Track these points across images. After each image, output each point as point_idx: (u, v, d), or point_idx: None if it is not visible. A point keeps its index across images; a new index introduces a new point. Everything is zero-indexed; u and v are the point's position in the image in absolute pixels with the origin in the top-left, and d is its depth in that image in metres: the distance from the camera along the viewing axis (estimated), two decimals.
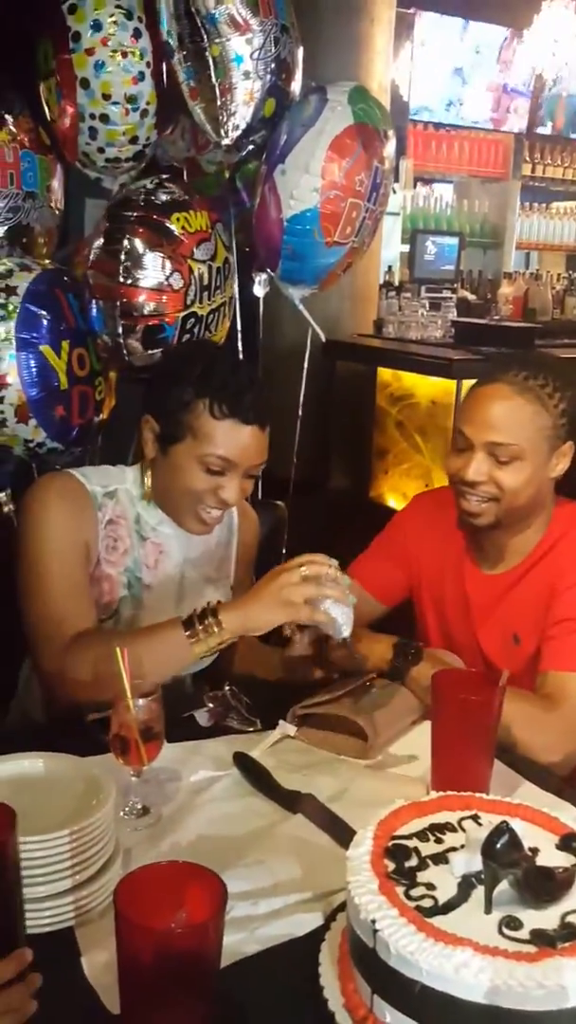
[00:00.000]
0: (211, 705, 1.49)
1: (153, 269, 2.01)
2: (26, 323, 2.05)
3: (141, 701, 1.22)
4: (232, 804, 1.28)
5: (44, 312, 2.08)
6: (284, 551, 2.28)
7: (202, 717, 1.48)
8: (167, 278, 2.02)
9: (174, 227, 2.03)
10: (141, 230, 2.00)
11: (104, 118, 2.08)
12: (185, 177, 2.41)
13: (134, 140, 2.13)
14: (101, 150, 2.13)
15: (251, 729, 1.46)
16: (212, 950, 0.84)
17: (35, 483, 1.61)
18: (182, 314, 2.06)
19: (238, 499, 1.59)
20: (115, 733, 1.22)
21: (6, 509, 2.24)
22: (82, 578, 1.56)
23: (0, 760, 1.16)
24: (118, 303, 2.01)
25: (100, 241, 2.04)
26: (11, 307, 2.04)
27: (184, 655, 1.43)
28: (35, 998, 0.87)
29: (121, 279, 1.99)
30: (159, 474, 1.61)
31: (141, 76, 2.06)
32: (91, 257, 2.06)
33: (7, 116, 2.15)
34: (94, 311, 2.07)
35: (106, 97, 2.04)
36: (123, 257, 1.99)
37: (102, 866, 1.07)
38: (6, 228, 2.18)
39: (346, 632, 1.44)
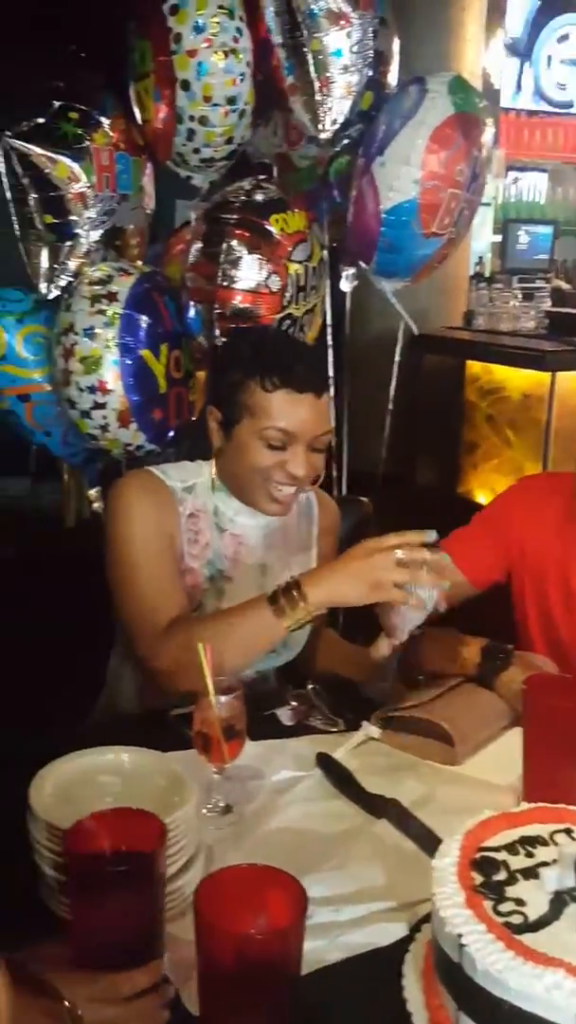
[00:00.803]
0: (294, 703, 1.48)
1: (251, 271, 2.02)
2: (128, 328, 2.08)
3: (223, 698, 1.22)
4: (314, 806, 1.26)
5: (144, 316, 2.10)
6: None
7: (284, 715, 1.47)
8: (265, 280, 2.02)
9: (273, 229, 2.04)
10: (240, 232, 2.01)
11: (203, 120, 2.09)
12: (276, 172, 2.40)
13: (230, 140, 2.15)
14: (197, 151, 2.14)
15: (334, 729, 1.44)
16: (293, 956, 0.83)
17: (117, 481, 1.62)
18: (278, 316, 2.06)
19: (307, 473, 1.56)
20: (198, 730, 1.22)
21: (96, 506, 2.28)
22: (171, 568, 1.56)
23: (84, 754, 1.17)
24: (215, 305, 2.02)
25: (199, 244, 2.05)
26: (113, 313, 2.06)
27: (273, 631, 1.41)
28: (167, 1008, 0.88)
29: (219, 282, 2.01)
30: (227, 460, 1.60)
31: (242, 77, 2.07)
32: (190, 260, 2.07)
33: (102, 119, 2.17)
34: (192, 313, 2.09)
35: (207, 99, 2.06)
36: (222, 259, 2.01)
37: (184, 864, 1.06)
38: (101, 232, 2.20)
39: (430, 607, 1.38)
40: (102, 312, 2.05)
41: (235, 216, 2.02)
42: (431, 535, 1.39)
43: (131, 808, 0.98)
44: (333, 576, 1.40)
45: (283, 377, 1.51)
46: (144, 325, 2.09)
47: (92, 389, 2.05)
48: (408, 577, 1.35)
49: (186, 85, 2.04)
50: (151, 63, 2.08)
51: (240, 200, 2.04)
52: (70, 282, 2.20)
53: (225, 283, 2.00)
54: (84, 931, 0.90)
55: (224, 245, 2.00)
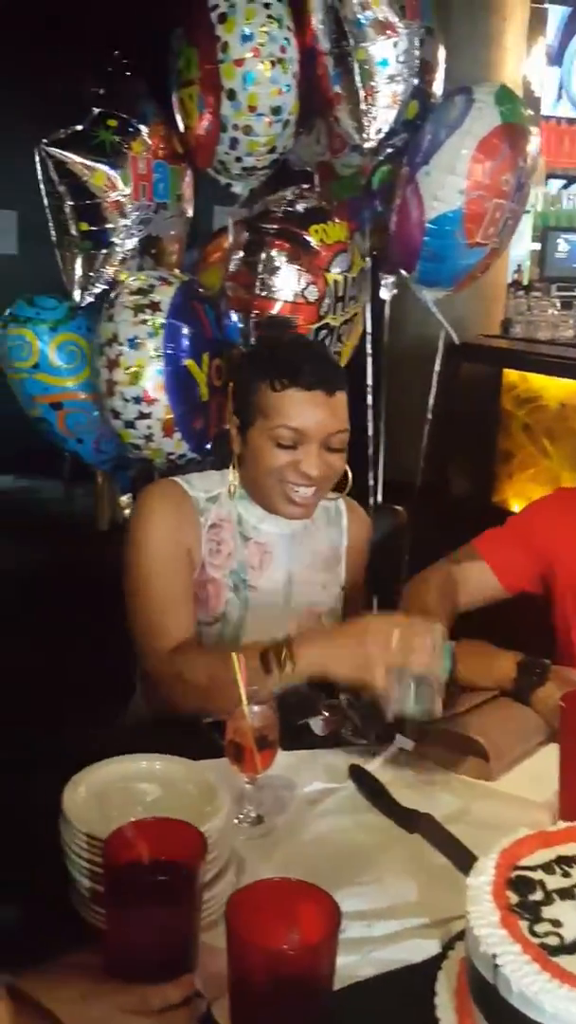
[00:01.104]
0: (326, 714, 1.47)
1: (289, 281, 2.03)
2: (171, 338, 2.08)
3: (256, 708, 1.21)
4: (347, 818, 1.25)
5: (186, 325, 2.11)
6: (407, 558, 2.24)
7: (317, 726, 1.46)
8: (302, 290, 2.03)
9: (312, 239, 2.05)
10: (279, 242, 2.02)
11: (248, 129, 2.09)
12: (317, 180, 2.40)
13: (272, 150, 2.15)
14: (239, 159, 2.15)
15: (364, 741, 1.43)
16: (325, 972, 0.82)
17: (140, 492, 1.62)
18: (315, 325, 2.06)
19: (322, 473, 1.55)
20: (230, 739, 1.22)
21: (127, 511, 2.28)
22: (182, 589, 1.57)
23: (116, 761, 1.17)
24: (252, 314, 2.03)
25: (240, 253, 2.06)
26: (157, 323, 2.06)
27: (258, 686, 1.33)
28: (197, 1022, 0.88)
29: (257, 291, 2.01)
30: (246, 466, 1.60)
31: (288, 87, 2.07)
32: (230, 268, 2.08)
33: (141, 127, 2.18)
34: (231, 321, 2.09)
35: (252, 109, 2.06)
36: (260, 269, 2.01)
37: (216, 874, 1.06)
38: (137, 240, 2.21)
39: (416, 711, 1.30)
40: (145, 322, 2.05)
41: (275, 226, 2.03)
42: (438, 628, 1.34)
43: (171, 818, 0.97)
44: (326, 645, 1.37)
45: (291, 376, 1.51)
46: (187, 334, 2.09)
47: (137, 399, 2.06)
48: (401, 661, 1.30)
49: (232, 94, 2.04)
50: (197, 70, 2.08)
51: (281, 210, 2.05)
52: (105, 290, 2.20)
53: (263, 292, 2.01)
54: (118, 941, 0.90)
55: (263, 255, 2.01)
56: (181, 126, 2.22)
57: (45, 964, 0.86)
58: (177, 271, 2.29)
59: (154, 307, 2.06)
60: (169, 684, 1.50)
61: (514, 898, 0.88)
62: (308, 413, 1.52)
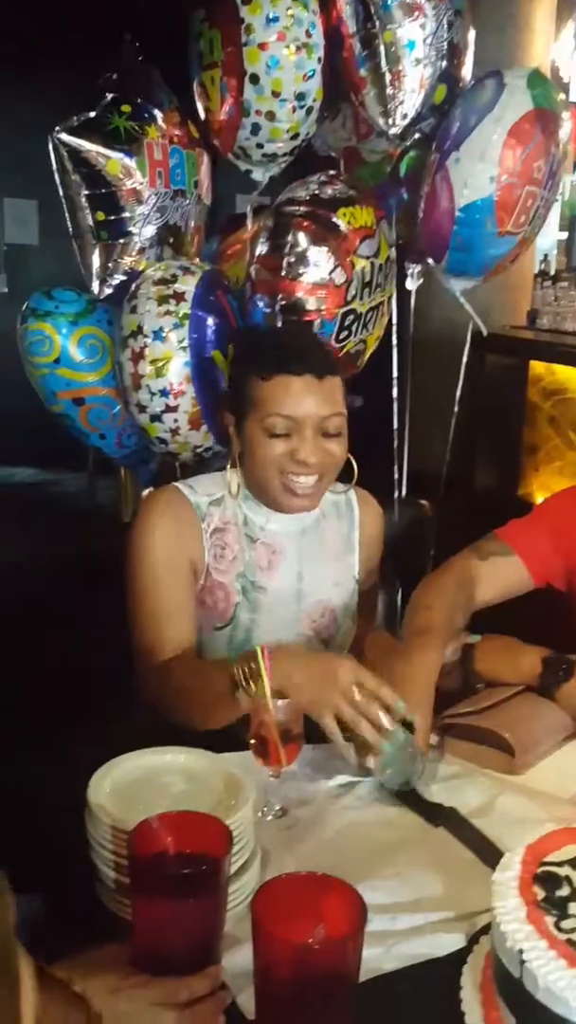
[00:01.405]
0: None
1: (316, 264, 1.99)
2: (197, 328, 2.04)
3: (280, 702, 1.21)
4: (371, 812, 1.25)
5: (211, 316, 2.08)
6: (432, 552, 2.23)
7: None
8: (330, 273, 2.00)
9: (340, 222, 2.01)
10: (307, 224, 1.99)
11: (270, 115, 2.05)
12: (343, 166, 2.37)
13: (295, 136, 2.11)
14: (260, 145, 2.11)
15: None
16: (351, 966, 0.82)
17: (141, 502, 1.61)
18: (341, 310, 2.04)
19: (320, 459, 1.52)
20: (255, 733, 1.22)
21: None
22: (180, 601, 1.54)
23: (141, 754, 1.17)
24: (279, 298, 2.00)
25: (265, 236, 2.03)
26: (182, 313, 2.03)
27: (227, 702, 1.31)
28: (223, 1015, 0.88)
29: (283, 274, 1.99)
30: (246, 462, 1.58)
31: (312, 73, 2.03)
32: (257, 252, 2.05)
33: (156, 112, 2.12)
34: (257, 306, 2.07)
35: (275, 94, 2.01)
36: (287, 251, 1.99)
37: (241, 867, 1.06)
38: (155, 228, 2.16)
39: (387, 777, 1.25)
40: (171, 313, 2.02)
41: (302, 208, 2.00)
42: (400, 705, 1.27)
43: (195, 811, 0.98)
44: (293, 668, 1.28)
45: (276, 363, 1.49)
46: (212, 324, 2.07)
47: (164, 392, 2.01)
48: (350, 716, 1.25)
49: (255, 79, 1.99)
50: (220, 53, 2.03)
51: (309, 193, 2.02)
52: (123, 281, 2.17)
53: (290, 275, 1.98)
54: (144, 933, 0.91)
55: (290, 237, 1.98)
56: (201, 111, 2.17)
57: (72, 957, 0.87)
58: (197, 260, 2.26)
59: (178, 297, 2.03)
60: (156, 696, 1.49)
61: (541, 894, 0.88)
62: (299, 399, 1.49)
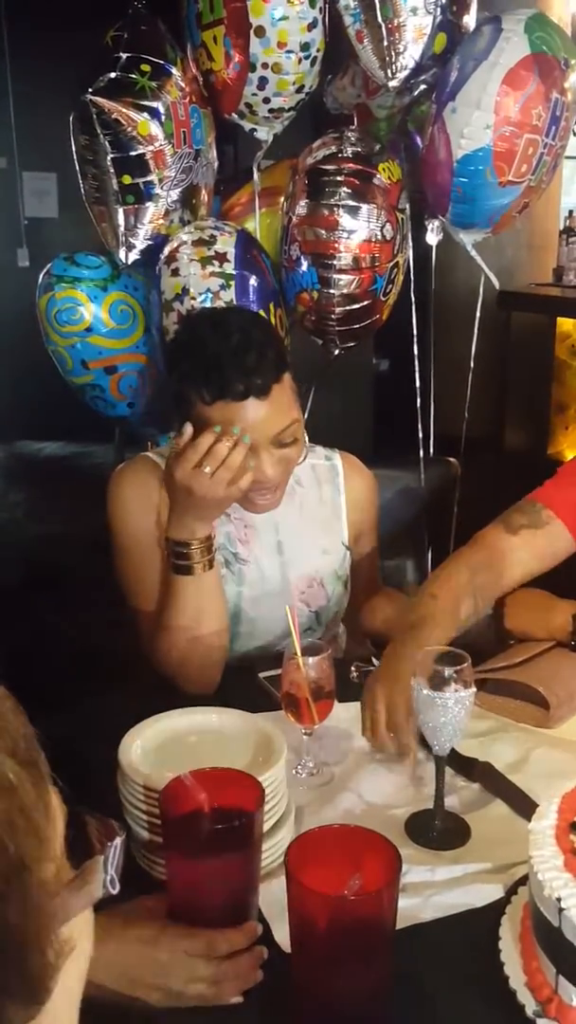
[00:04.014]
0: (355, 673, 1.46)
1: (368, 221, 1.98)
2: (242, 289, 2.01)
3: (311, 660, 1.21)
4: (404, 767, 1.24)
5: (253, 275, 2.05)
6: (455, 509, 2.20)
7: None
8: (380, 228, 1.99)
9: (382, 176, 1.99)
10: (351, 180, 1.98)
11: (277, 67, 2.00)
12: (355, 124, 2.32)
13: (300, 89, 2.07)
14: (267, 100, 2.07)
15: None
16: (387, 918, 0.82)
17: (113, 472, 1.58)
18: (390, 264, 2.02)
19: (278, 471, 1.46)
20: (286, 691, 1.21)
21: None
22: (158, 561, 1.52)
23: (174, 714, 1.18)
24: (332, 256, 1.99)
25: (305, 196, 2.01)
26: (228, 273, 1.99)
27: (198, 586, 1.44)
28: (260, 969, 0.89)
29: (334, 233, 1.97)
30: None
31: (315, 23, 1.99)
32: (297, 213, 2.03)
33: (173, 70, 2.05)
34: (303, 267, 2.04)
35: (281, 45, 1.97)
36: (337, 210, 1.97)
37: (275, 823, 1.06)
38: (180, 191, 2.10)
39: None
40: (217, 274, 1.98)
41: (348, 166, 1.98)
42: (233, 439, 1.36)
43: (228, 768, 0.97)
44: (177, 513, 1.41)
45: (217, 388, 1.39)
46: (254, 284, 2.03)
47: None
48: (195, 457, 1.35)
49: (260, 31, 1.95)
50: (222, 10, 1.99)
51: (349, 150, 2.00)
52: (150, 246, 2.13)
53: (340, 234, 1.97)
54: (179, 889, 0.91)
55: (338, 195, 1.96)
56: (204, 69, 2.12)
57: (109, 908, 0.87)
58: (229, 221, 2.20)
59: (220, 258, 1.99)
60: (160, 660, 1.49)
61: None
62: (245, 422, 1.39)
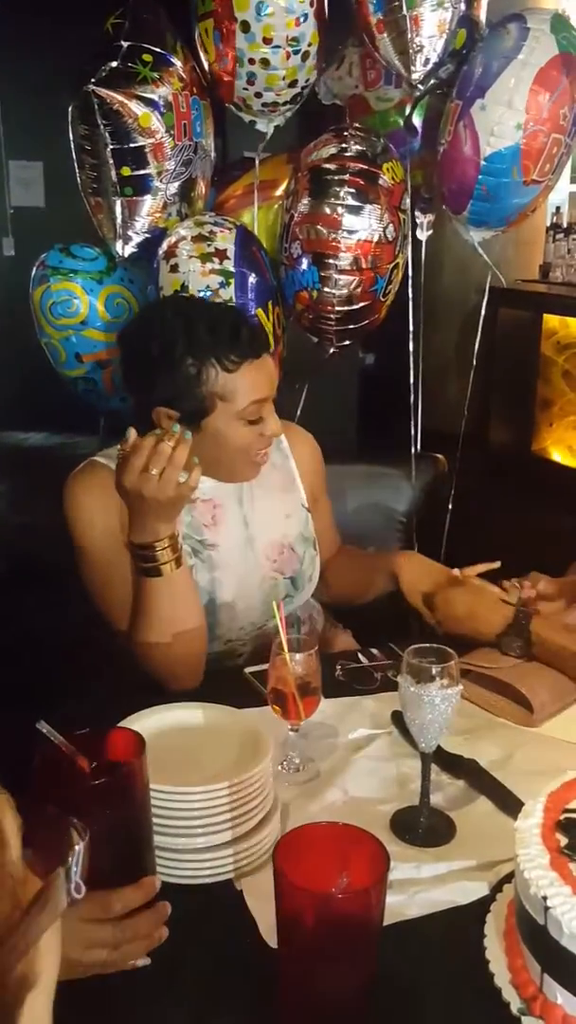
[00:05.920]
0: (339, 671, 1.48)
1: (369, 220, 1.97)
2: (241, 286, 2.00)
3: (298, 656, 1.21)
4: (390, 764, 1.25)
5: (252, 272, 2.03)
6: (450, 506, 2.21)
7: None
8: (383, 229, 1.98)
9: (386, 176, 1.99)
10: (355, 180, 1.96)
11: (264, 62, 1.99)
12: (348, 116, 2.30)
13: (293, 84, 2.05)
14: (259, 95, 2.05)
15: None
16: (374, 915, 0.82)
17: (66, 481, 1.57)
18: (391, 265, 2.02)
19: (280, 425, 1.56)
20: (273, 687, 1.21)
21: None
22: (124, 574, 1.51)
23: (160, 710, 1.17)
24: (333, 256, 1.98)
25: (307, 195, 2.00)
26: (228, 271, 1.98)
27: (169, 587, 1.42)
28: (164, 926, 0.86)
29: (336, 233, 1.96)
30: (199, 450, 1.46)
31: (304, 17, 1.96)
32: (299, 211, 2.01)
33: (174, 60, 2.03)
34: (304, 265, 2.03)
35: (267, 41, 1.95)
36: (340, 211, 1.96)
37: (261, 820, 1.06)
38: (179, 184, 2.08)
39: None
40: (216, 271, 1.97)
41: (353, 166, 1.97)
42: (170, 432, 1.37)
43: (109, 727, 0.97)
44: (137, 518, 1.39)
45: (237, 351, 1.47)
46: (253, 282, 2.02)
47: None
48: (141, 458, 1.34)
49: (246, 26, 1.93)
50: (212, 3, 1.95)
51: (352, 149, 1.99)
52: (147, 238, 2.11)
53: (343, 234, 1.96)
54: None
55: (341, 194, 1.95)
56: (204, 62, 2.11)
57: None
58: (226, 216, 2.18)
59: (220, 255, 1.97)
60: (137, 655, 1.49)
61: (563, 840, 0.87)
62: (264, 378, 1.51)
